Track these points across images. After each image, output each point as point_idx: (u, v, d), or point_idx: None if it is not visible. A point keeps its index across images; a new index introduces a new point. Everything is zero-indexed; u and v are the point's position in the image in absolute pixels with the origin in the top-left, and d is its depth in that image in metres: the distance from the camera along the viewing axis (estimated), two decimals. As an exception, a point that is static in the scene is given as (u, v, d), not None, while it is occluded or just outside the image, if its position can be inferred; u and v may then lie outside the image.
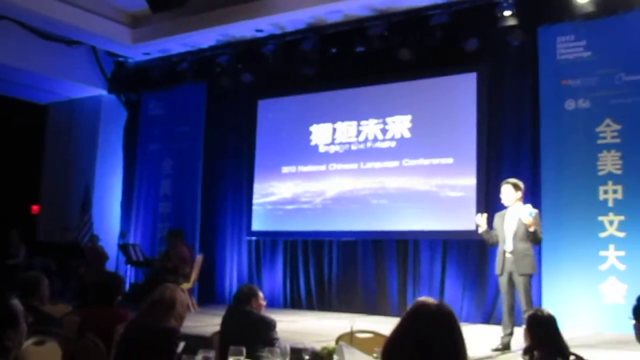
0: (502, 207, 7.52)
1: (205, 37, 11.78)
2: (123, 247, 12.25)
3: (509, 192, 7.39)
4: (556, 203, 8.87)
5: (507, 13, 9.25)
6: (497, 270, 7.35)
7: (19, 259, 12.17)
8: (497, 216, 7.53)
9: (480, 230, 7.52)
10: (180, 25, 11.44)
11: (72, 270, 11.76)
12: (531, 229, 7.08)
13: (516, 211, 7.30)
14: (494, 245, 7.53)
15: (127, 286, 11.72)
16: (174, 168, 12.92)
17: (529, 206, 7.19)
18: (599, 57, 8.90)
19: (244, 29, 11.33)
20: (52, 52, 12.24)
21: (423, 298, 2.33)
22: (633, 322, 3.40)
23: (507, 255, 7.22)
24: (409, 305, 2.34)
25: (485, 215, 7.53)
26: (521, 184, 7.47)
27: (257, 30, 11.31)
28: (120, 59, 13.13)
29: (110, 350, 4.45)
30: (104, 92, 13.52)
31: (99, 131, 13.61)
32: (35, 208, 14.48)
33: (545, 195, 8.99)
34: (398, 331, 2.28)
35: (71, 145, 13.93)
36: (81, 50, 12.73)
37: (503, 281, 7.27)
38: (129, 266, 12.34)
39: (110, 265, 12.27)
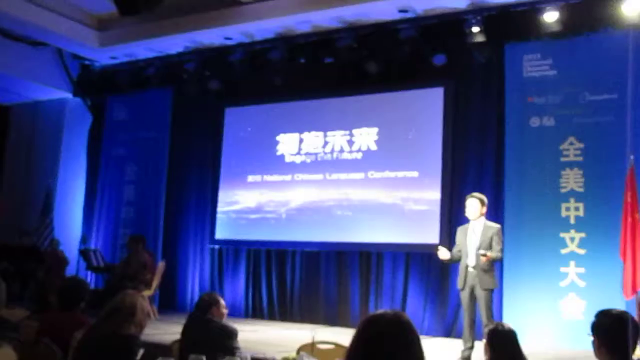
0: (465, 221, 7.58)
1: (173, 43, 11.72)
2: (84, 252, 12.09)
3: (475, 206, 7.45)
4: (519, 218, 8.96)
5: (475, 29, 9.34)
6: (459, 285, 7.39)
7: (-25, 262, 11.95)
8: (460, 230, 7.58)
9: (445, 260, 7.55)
10: (148, 30, 11.36)
11: (30, 274, 11.57)
12: (487, 261, 7.18)
13: (479, 226, 7.37)
14: (457, 261, 7.56)
15: (87, 292, 11.55)
16: (137, 173, 12.80)
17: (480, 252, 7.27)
18: (564, 76, 9.04)
19: (212, 36, 11.30)
20: (17, 53, 12.06)
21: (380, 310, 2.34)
22: (592, 338, 3.43)
23: (470, 269, 7.27)
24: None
25: (444, 249, 7.55)
26: (486, 199, 7.55)
27: (226, 38, 11.28)
28: (87, 62, 12.99)
29: (67, 357, 4.38)
30: (69, 95, 13.36)
31: (62, 134, 13.44)
32: (-6, 210, 14.24)
33: (508, 210, 9.09)
34: (355, 341, 2.27)
35: (34, 148, 13.73)
36: (47, 52, 12.57)
37: (465, 295, 7.32)
38: (89, 272, 12.17)
39: (70, 270, 12.08)
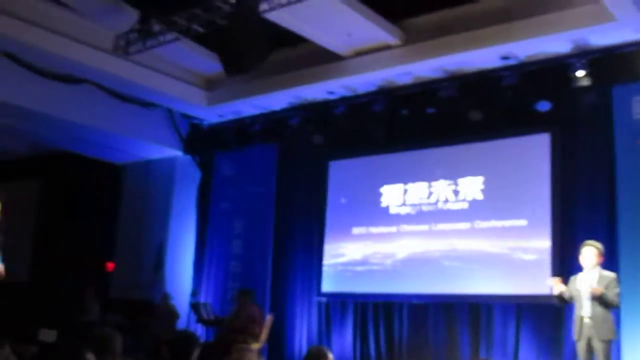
0: (577, 270, 7.35)
1: (277, 100, 12.00)
2: (194, 306, 12.32)
3: (592, 255, 7.25)
4: (635, 267, 8.54)
5: (580, 73, 9.17)
6: (575, 336, 7.15)
7: (92, 315, 12.36)
8: (573, 280, 7.35)
9: (558, 295, 7.34)
10: (253, 88, 11.68)
11: (143, 328, 11.86)
12: (597, 294, 6.95)
13: (594, 275, 7.14)
14: (570, 301, 7.32)
15: (197, 345, 11.72)
16: (245, 228, 13.02)
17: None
18: (677, 116, 8.70)
19: (315, 92, 11.50)
20: (130, 114, 12.59)
21: None
22: None
23: (585, 320, 7.04)
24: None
25: (557, 284, 7.36)
26: (602, 248, 7.32)
27: (329, 93, 11.45)
28: (195, 120, 13.45)
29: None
30: (179, 153, 13.81)
31: (173, 191, 13.84)
32: (110, 265, 14.74)
33: (623, 258, 8.68)
34: None
35: (146, 205, 14.18)
36: (158, 112, 13.07)
37: (581, 347, 7.07)
38: (199, 325, 12.39)
39: (181, 324, 12.33)
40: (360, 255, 11.55)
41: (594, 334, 6.94)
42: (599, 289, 6.94)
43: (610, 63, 9.19)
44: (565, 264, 9.14)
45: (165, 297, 12.55)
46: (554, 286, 7.33)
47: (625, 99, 9.12)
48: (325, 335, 11.60)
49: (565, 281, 7.48)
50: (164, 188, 14.00)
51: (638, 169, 8.84)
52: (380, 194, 11.51)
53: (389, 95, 10.99)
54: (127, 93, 12.22)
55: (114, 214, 14.76)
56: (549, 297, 9.06)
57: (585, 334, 7.00)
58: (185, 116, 13.39)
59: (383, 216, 11.40)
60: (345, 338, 11.38)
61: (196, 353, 5.15)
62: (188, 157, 13.95)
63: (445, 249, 10.65)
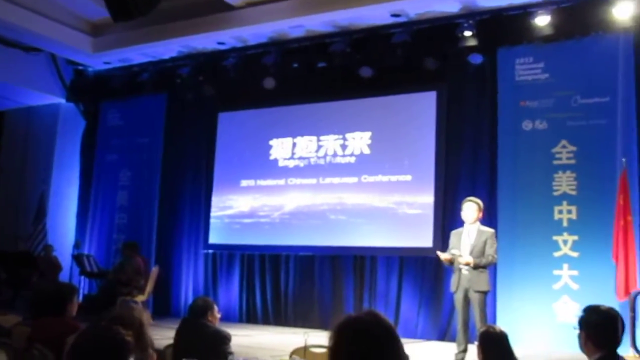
0: (459, 225, 7.59)
1: (167, 48, 11.74)
2: (77, 258, 12.06)
3: (474, 211, 7.47)
4: (512, 222, 8.98)
5: (467, 33, 9.37)
6: (452, 288, 7.40)
7: (-31, 268, 11.92)
8: (454, 234, 7.59)
9: (447, 260, 7.52)
10: (142, 35, 11.37)
11: (23, 280, 11.54)
12: (471, 265, 7.21)
13: (474, 230, 7.39)
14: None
15: (81, 297, 11.53)
16: (131, 179, 12.79)
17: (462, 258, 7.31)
18: (556, 79, 9.07)
19: (206, 41, 11.31)
20: (11, 59, 12.05)
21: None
22: (577, 331, 3.48)
23: (464, 272, 7.28)
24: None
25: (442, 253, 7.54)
26: (482, 204, 7.58)
27: (219, 43, 11.29)
28: (80, 67, 13.00)
29: (60, 362, 4.37)
30: (62, 101, 13.36)
31: (56, 140, 13.42)
32: (-12, 216, 14.21)
33: (502, 213, 9.10)
34: (338, 346, 2.22)
35: (27, 153, 13.70)
36: (40, 58, 12.57)
37: (459, 298, 7.33)
38: (82, 277, 12.15)
39: (64, 276, 12.05)
40: (248, 207, 11.57)
41: (470, 285, 7.22)
42: (471, 261, 7.21)
43: (496, 25, 9.44)
44: (447, 219, 9.48)
45: (48, 248, 12.24)
46: (442, 258, 7.49)
47: (509, 60, 9.43)
48: (211, 287, 11.62)
49: (447, 235, 7.73)
50: (46, 136, 13.54)
51: (519, 129, 9.20)
52: (269, 147, 11.51)
53: (280, 47, 10.93)
54: (7, 36, 11.66)
55: (-7, 162, 14.19)
56: (431, 250, 9.39)
57: (463, 286, 7.27)
58: (69, 62, 12.91)
59: (272, 169, 11.42)
60: (231, 290, 11.43)
61: (75, 301, 5.02)
62: (72, 105, 13.51)
63: (332, 202, 10.80)
